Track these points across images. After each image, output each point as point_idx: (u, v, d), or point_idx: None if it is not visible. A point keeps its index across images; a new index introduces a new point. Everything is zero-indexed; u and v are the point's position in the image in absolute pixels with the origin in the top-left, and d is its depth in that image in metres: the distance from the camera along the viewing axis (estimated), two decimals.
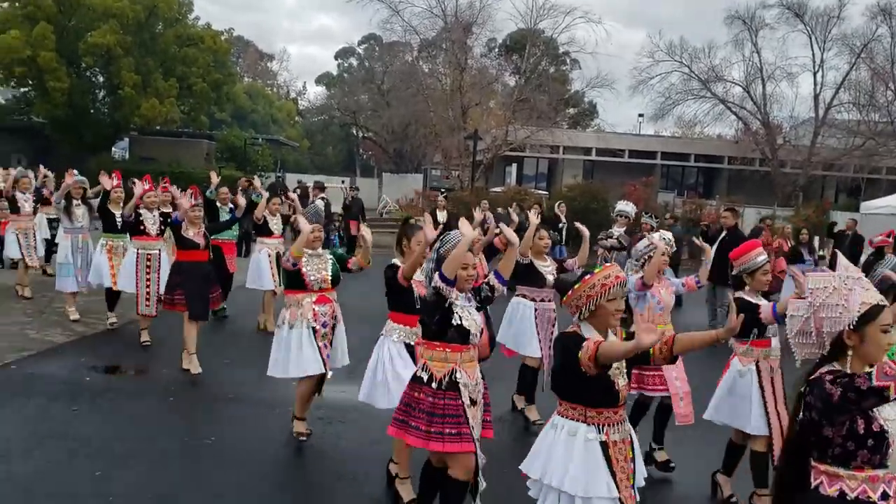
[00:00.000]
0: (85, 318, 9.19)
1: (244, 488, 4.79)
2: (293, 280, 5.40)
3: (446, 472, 3.96)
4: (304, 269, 5.38)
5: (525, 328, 6.35)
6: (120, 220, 8.50)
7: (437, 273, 3.81)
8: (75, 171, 9.59)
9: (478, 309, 4.08)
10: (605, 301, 3.30)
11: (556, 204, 12.00)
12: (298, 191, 24.99)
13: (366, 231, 5.36)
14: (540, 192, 26.44)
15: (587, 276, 3.35)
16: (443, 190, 18.98)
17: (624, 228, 11.47)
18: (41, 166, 12.24)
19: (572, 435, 3.27)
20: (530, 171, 35.80)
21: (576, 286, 3.36)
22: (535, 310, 6.36)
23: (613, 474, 3.21)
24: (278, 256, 9.01)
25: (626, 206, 11.26)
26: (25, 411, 6.00)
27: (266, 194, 9.74)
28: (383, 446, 5.09)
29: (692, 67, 32.38)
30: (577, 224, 6.73)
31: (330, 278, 5.49)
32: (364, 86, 46.69)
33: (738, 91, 32.48)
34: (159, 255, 8.22)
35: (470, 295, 4.07)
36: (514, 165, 32.98)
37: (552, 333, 6.31)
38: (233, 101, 41.44)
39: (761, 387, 4.75)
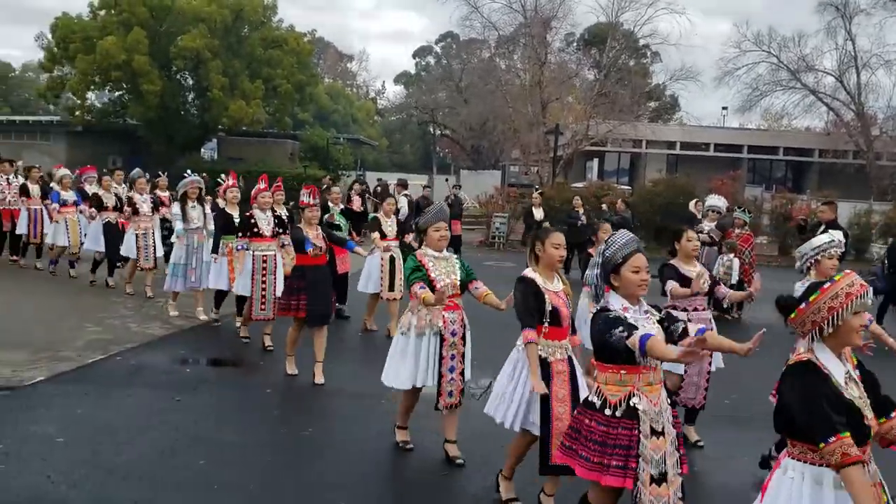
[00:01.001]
0: (183, 312, 9.50)
1: (344, 479, 4.85)
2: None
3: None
4: (432, 275, 4.92)
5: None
6: (237, 220, 8.37)
7: (638, 345, 3.18)
8: (189, 171, 9.64)
9: (660, 323, 3.49)
10: (850, 315, 2.82)
11: (693, 202, 11.56)
12: (379, 188, 25.26)
13: (507, 302, 4.61)
14: (623, 187, 26.02)
15: (826, 286, 2.86)
16: (537, 187, 18.83)
17: (714, 223, 11.17)
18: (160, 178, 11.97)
19: (818, 483, 2.79)
20: (611, 167, 35.28)
21: (812, 298, 2.86)
22: (689, 321, 5.88)
23: None
24: (392, 259, 8.87)
25: (717, 201, 10.93)
26: (130, 400, 6.24)
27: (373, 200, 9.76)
28: (478, 442, 5.10)
29: (781, 57, 31.35)
30: (755, 284, 5.51)
31: (459, 283, 5.02)
32: (442, 83, 46.89)
33: (829, 81, 31.31)
34: (274, 256, 8.06)
35: (648, 307, 3.53)
36: (596, 160, 32.57)
37: None
38: (315, 102, 42.31)
39: None
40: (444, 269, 5.00)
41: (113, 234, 10.89)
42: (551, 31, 31.18)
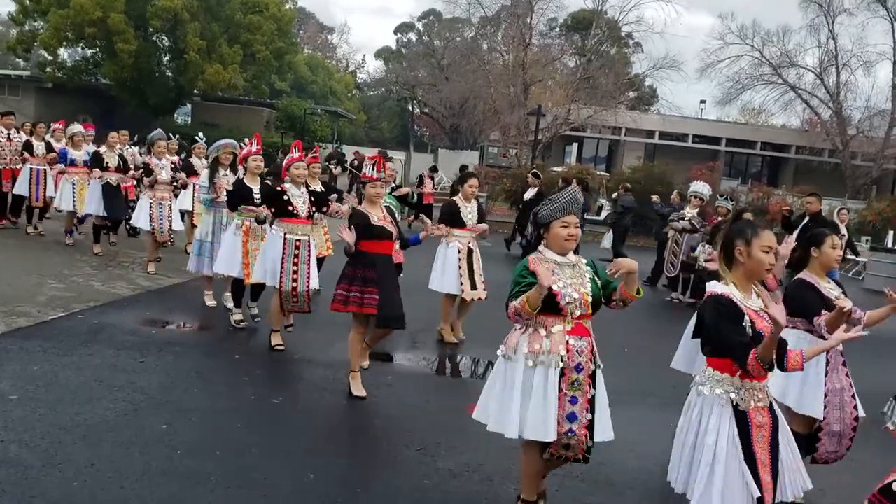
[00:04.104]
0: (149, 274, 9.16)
1: (312, 447, 4.66)
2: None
3: None
4: (554, 287, 3.45)
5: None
6: (258, 195, 7.03)
7: None
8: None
9: None
10: None
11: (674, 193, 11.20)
12: (356, 161, 24.89)
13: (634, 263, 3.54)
14: (601, 173, 25.97)
15: None
16: (533, 167, 18.59)
17: (697, 210, 11.08)
18: (170, 140, 11.01)
19: None
20: (589, 153, 35.24)
21: None
22: None
23: None
24: (469, 252, 7.41)
25: (702, 188, 10.83)
26: (91, 359, 5.95)
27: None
28: (449, 415, 4.92)
29: (763, 52, 31.43)
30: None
31: (591, 300, 3.58)
32: (423, 60, 46.46)
33: (810, 78, 31.48)
34: (308, 242, 6.66)
35: None
36: (575, 145, 32.51)
37: None
38: (294, 71, 41.66)
39: None
40: (571, 278, 3.56)
41: (114, 198, 9.94)
42: (535, 14, 30.96)
